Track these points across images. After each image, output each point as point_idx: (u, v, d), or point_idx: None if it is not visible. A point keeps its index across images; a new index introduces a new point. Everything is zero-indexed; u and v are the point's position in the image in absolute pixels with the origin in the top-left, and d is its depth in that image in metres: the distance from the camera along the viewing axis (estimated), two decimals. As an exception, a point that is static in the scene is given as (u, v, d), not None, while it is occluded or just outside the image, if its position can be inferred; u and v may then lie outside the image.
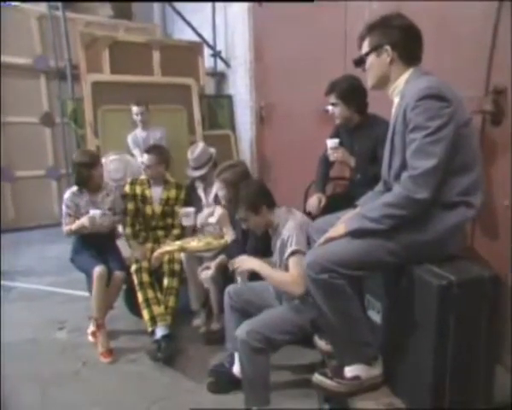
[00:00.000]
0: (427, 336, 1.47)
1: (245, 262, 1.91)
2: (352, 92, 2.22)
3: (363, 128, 2.26)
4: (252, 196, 1.94)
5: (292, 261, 1.79)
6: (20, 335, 2.68)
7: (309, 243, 1.85)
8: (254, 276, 1.98)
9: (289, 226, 1.85)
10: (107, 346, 2.48)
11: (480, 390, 1.54)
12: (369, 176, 2.03)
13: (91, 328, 2.61)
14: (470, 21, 1.93)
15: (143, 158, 2.85)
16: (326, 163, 2.46)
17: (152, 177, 2.85)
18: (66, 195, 2.65)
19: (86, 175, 2.58)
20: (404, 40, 1.53)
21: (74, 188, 2.65)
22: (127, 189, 2.87)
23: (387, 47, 1.54)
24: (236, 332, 1.81)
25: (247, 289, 2.08)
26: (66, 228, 2.63)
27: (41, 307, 3.11)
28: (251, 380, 1.82)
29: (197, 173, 2.83)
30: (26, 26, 5.02)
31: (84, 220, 2.53)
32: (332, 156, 2.26)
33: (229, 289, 2.12)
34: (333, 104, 2.28)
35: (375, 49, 1.57)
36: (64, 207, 2.64)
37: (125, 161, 3.50)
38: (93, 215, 2.50)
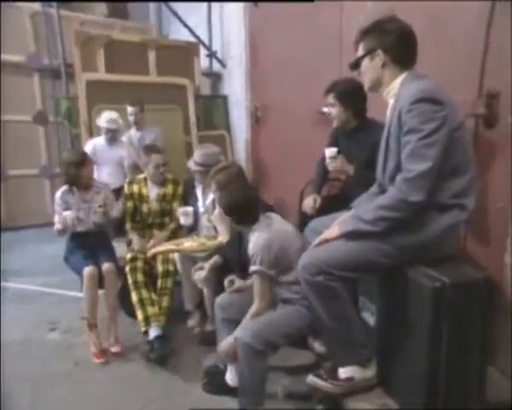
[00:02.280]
0: (421, 337, 1.48)
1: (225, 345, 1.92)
2: (350, 94, 2.20)
3: (360, 132, 2.25)
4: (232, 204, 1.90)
5: (254, 281, 1.86)
6: (13, 335, 2.66)
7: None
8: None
9: (257, 243, 1.82)
10: (100, 346, 2.46)
11: (473, 392, 1.55)
12: (366, 181, 2.01)
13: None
14: (463, 24, 1.94)
15: (156, 158, 2.78)
16: (324, 166, 2.45)
17: (161, 176, 2.82)
18: (57, 194, 2.65)
19: (75, 174, 2.58)
20: (396, 44, 1.54)
21: (65, 187, 2.65)
22: (125, 188, 2.89)
23: (379, 51, 1.56)
24: (236, 334, 1.79)
25: (237, 297, 2.07)
26: (56, 227, 2.60)
27: (34, 308, 3.09)
28: (248, 382, 1.79)
29: (197, 168, 2.71)
30: (19, 24, 4.98)
31: (61, 221, 2.51)
32: (330, 166, 2.24)
33: (220, 300, 2.08)
34: (330, 104, 2.26)
35: (369, 53, 1.59)
36: (55, 205, 2.64)
37: (117, 115, 3.60)
38: (65, 216, 2.50)
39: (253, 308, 1.86)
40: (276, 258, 1.81)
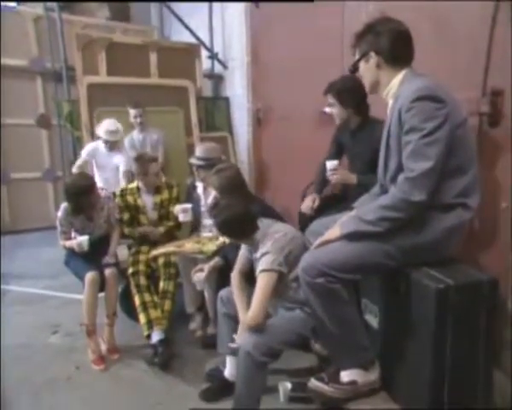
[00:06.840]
0: (425, 340, 1.46)
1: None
2: (348, 92, 2.17)
3: (363, 130, 2.22)
4: (233, 221, 1.84)
5: (259, 278, 1.74)
6: (14, 339, 2.65)
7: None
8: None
9: (266, 245, 1.78)
10: (99, 353, 2.44)
11: (479, 395, 1.52)
12: (371, 185, 1.97)
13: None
14: (467, 22, 1.92)
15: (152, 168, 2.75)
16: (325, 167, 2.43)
17: (150, 184, 2.79)
18: (60, 213, 2.56)
19: (80, 203, 2.47)
20: (388, 44, 1.53)
21: (66, 206, 2.54)
22: (118, 200, 2.80)
23: (372, 53, 1.56)
24: (241, 343, 1.76)
25: None
26: (61, 242, 2.61)
27: (35, 311, 3.08)
28: (245, 392, 1.75)
29: (199, 162, 2.71)
30: (22, 28, 5.01)
31: (74, 245, 2.49)
32: (332, 178, 2.21)
33: (222, 294, 2.07)
34: (330, 104, 2.25)
35: (363, 56, 1.60)
36: (58, 225, 2.58)
37: (117, 126, 3.50)
38: (80, 242, 2.46)
39: (248, 315, 1.73)
40: (285, 258, 1.77)
